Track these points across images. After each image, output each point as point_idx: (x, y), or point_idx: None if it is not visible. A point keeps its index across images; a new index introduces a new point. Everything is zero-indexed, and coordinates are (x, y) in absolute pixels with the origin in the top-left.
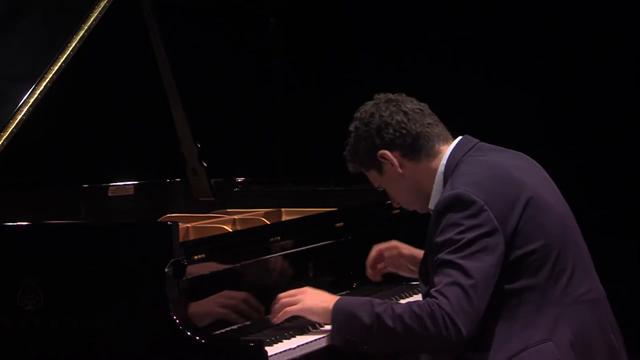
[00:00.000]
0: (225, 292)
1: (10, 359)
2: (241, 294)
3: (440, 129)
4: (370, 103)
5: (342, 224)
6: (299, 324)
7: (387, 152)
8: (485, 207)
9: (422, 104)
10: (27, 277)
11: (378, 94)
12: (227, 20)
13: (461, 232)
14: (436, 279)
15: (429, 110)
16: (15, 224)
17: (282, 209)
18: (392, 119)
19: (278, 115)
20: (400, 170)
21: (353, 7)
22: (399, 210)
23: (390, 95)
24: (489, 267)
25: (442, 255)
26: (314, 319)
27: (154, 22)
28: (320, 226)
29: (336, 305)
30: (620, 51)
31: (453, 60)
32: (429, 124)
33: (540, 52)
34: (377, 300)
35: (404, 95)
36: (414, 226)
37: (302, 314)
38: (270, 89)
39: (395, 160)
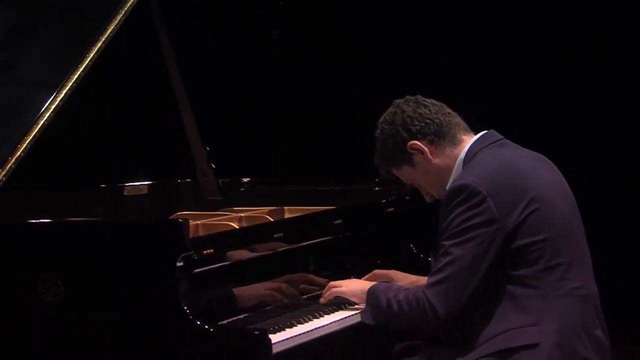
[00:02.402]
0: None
1: (32, 348)
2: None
3: (459, 119)
4: (389, 109)
5: (340, 221)
6: (299, 315)
7: (416, 141)
8: (488, 198)
9: (438, 102)
10: (49, 271)
11: (395, 100)
12: (230, 26)
13: (460, 221)
14: (433, 264)
15: (447, 107)
16: (38, 221)
17: (285, 207)
18: (414, 112)
19: (279, 118)
20: (431, 158)
21: (353, 9)
22: (393, 209)
23: (408, 97)
24: (476, 256)
25: (440, 240)
26: (354, 299)
27: (165, 34)
28: (320, 223)
29: (369, 289)
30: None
31: (454, 60)
32: (448, 113)
33: (552, 50)
34: (395, 286)
35: (419, 96)
36: (410, 225)
37: (344, 295)
38: (273, 94)
39: (425, 148)
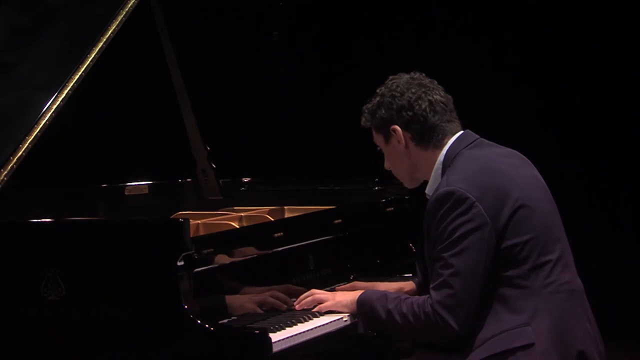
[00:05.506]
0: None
1: (34, 346)
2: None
3: (455, 124)
4: (405, 78)
5: (340, 220)
6: (299, 314)
7: (399, 129)
8: (476, 203)
9: (448, 96)
10: (51, 270)
11: (415, 73)
12: (231, 26)
13: (453, 229)
14: (432, 276)
15: (452, 105)
16: (40, 220)
17: (285, 207)
18: (417, 104)
19: (280, 118)
20: (404, 149)
21: (353, 9)
22: (392, 209)
23: (425, 81)
24: (477, 263)
25: (436, 252)
26: (344, 310)
27: (166, 34)
28: (320, 223)
29: (359, 298)
30: (623, 51)
31: (454, 60)
32: (447, 120)
33: (544, 49)
34: (391, 296)
35: (435, 82)
36: (409, 224)
37: (333, 307)
38: (273, 95)
39: (403, 140)
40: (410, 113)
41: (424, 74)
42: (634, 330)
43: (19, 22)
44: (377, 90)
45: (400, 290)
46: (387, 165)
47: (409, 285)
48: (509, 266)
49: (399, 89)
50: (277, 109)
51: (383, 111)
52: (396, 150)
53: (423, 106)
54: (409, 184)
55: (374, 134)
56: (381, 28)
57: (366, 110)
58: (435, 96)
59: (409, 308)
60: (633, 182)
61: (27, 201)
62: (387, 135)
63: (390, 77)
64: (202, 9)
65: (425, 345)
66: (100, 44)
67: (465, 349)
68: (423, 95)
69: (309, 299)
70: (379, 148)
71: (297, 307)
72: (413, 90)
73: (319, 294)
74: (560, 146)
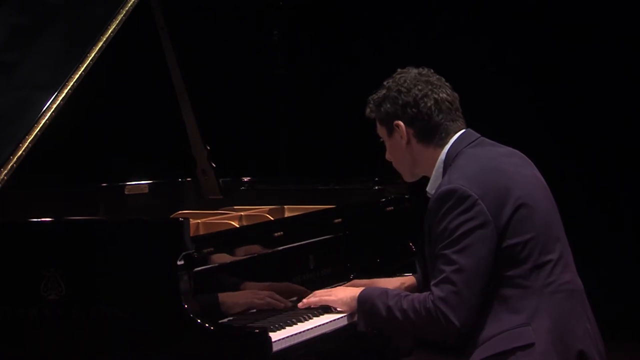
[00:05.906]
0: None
1: (34, 346)
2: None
3: (459, 123)
4: (414, 73)
5: (340, 220)
6: (299, 314)
7: (403, 125)
8: (479, 201)
9: (455, 94)
10: (51, 269)
11: (424, 68)
12: (231, 25)
13: (455, 227)
14: (434, 273)
15: (458, 104)
16: (40, 220)
17: (285, 206)
18: (422, 102)
19: (280, 117)
20: (406, 145)
21: (353, 8)
22: (392, 208)
23: (432, 78)
24: (480, 260)
25: (438, 249)
26: (344, 308)
27: (167, 34)
28: (320, 222)
29: (360, 295)
30: (622, 50)
31: (454, 59)
32: (451, 119)
33: (544, 49)
34: (392, 292)
35: (443, 80)
36: (409, 224)
37: (334, 304)
38: (273, 95)
39: (406, 136)
40: (415, 110)
41: (432, 70)
42: (634, 330)
43: (19, 22)
44: (384, 83)
45: (401, 285)
46: (388, 156)
47: (409, 280)
48: (510, 266)
49: (406, 84)
50: (277, 109)
51: (388, 105)
52: (398, 145)
53: (428, 104)
54: (408, 178)
55: (378, 125)
56: (381, 28)
57: (372, 101)
58: (441, 94)
59: (410, 304)
60: (633, 182)
61: (27, 201)
62: (390, 129)
63: (399, 70)
64: (202, 9)
65: (425, 343)
66: (100, 44)
67: (465, 349)
68: (429, 93)
69: (311, 299)
70: (381, 139)
71: (299, 306)
72: (420, 87)
73: (320, 294)
74: (560, 146)
